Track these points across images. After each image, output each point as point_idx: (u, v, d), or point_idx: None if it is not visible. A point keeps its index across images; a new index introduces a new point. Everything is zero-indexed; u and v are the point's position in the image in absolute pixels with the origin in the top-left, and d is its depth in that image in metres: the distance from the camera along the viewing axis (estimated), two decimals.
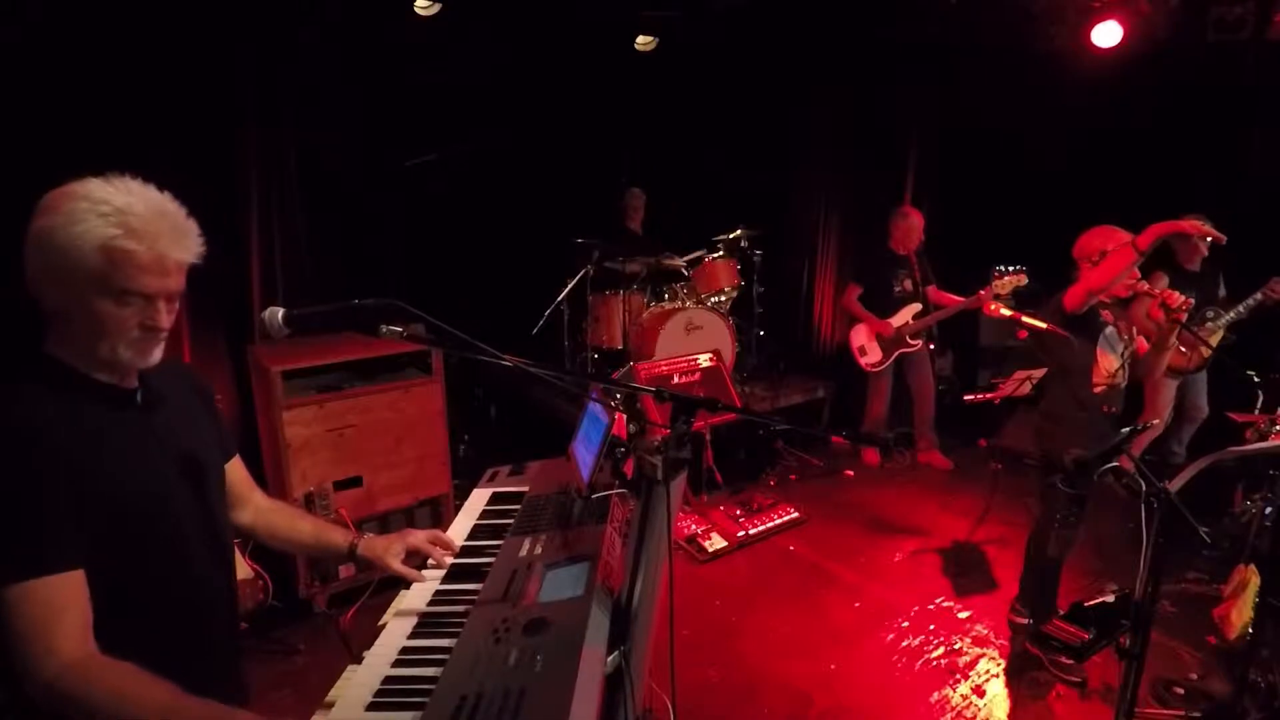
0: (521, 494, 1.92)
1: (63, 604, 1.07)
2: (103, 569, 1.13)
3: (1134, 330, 2.88)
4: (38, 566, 1.06)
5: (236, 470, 1.50)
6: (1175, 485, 1.97)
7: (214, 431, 1.42)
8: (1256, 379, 3.67)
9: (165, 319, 1.18)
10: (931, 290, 4.68)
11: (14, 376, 1.16)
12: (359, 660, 1.32)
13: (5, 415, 1.10)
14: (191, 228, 1.19)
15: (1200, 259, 4.00)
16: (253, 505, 1.55)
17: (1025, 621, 3.02)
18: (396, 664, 1.30)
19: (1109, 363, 2.80)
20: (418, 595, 1.51)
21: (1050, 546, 2.90)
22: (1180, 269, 4.00)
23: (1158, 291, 2.62)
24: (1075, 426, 2.77)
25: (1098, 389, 2.80)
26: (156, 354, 1.21)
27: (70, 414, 1.14)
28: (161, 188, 1.19)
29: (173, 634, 1.24)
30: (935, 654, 2.99)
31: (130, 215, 1.11)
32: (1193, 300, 2.66)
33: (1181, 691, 2.66)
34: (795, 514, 4.05)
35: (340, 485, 3.14)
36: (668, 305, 4.77)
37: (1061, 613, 2.85)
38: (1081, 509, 2.82)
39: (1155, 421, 3.94)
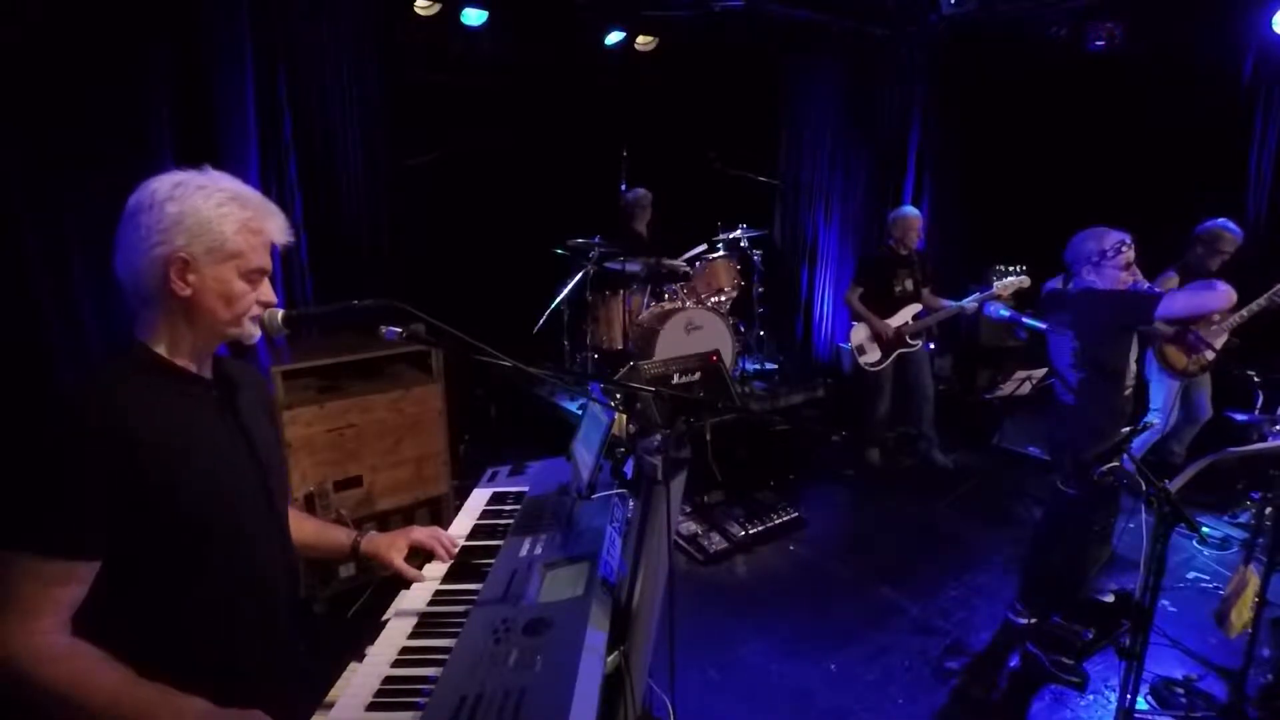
0: (521, 494, 1.92)
1: (59, 590, 1.07)
2: (172, 554, 1.14)
3: None
4: (59, 548, 1.06)
5: None
6: (1175, 485, 1.98)
7: (274, 430, 1.45)
8: (1256, 379, 3.68)
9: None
10: (924, 293, 4.68)
11: (109, 363, 1.18)
12: (359, 659, 1.32)
13: (92, 402, 1.10)
14: None
15: (1217, 266, 3.97)
16: None
17: (1025, 621, 3.02)
18: (396, 664, 1.30)
19: (1132, 367, 2.84)
20: (418, 595, 1.51)
21: (1065, 549, 2.89)
22: (1195, 271, 3.98)
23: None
24: (1110, 431, 2.75)
25: (1125, 391, 2.81)
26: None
27: (158, 402, 1.15)
28: None
29: (237, 619, 1.25)
30: (935, 654, 2.99)
31: (248, 199, 1.17)
32: None
33: (1181, 691, 2.66)
34: (795, 514, 4.05)
35: (340, 485, 3.14)
36: (668, 305, 4.77)
37: (1062, 613, 2.84)
38: (1097, 512, 2.82)
39: (1155, 422, 3.94)
